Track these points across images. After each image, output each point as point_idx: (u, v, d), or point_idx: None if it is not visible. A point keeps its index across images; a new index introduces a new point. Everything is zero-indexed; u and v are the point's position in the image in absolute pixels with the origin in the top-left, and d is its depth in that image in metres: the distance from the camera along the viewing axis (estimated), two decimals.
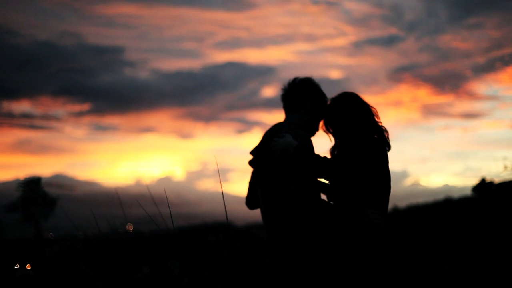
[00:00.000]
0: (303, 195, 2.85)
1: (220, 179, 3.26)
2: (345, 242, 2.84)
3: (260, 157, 3.02)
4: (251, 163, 3.13)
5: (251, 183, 3.20)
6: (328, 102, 3.21)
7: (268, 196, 2.94)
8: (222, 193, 3.31)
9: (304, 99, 3.19)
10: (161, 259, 5.63)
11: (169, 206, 3.37)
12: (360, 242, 2.85)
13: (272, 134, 3.02)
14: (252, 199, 3.18)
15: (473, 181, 17.42)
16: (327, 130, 3.19)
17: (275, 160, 2.88)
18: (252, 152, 3.12)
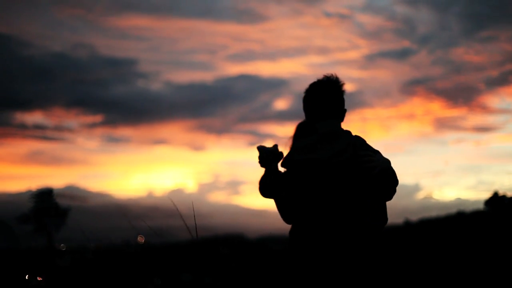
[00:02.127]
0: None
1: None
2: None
3: (340, 167, 2.73)
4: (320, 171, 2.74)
5: (286, 194, 2.83)
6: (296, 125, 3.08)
7: (346, 209, 2.70)
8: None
9: (342, 104, 2.87)
10: (172, 271, 5.65)
11: (194, 218, 3.41)
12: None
13: (354, 146, 2.75)
14: (290, 213, 2.83)
15: (486, 195, 17.43)
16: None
17: (373, 176, 2.68)
18: (315, 159, 2.76)
